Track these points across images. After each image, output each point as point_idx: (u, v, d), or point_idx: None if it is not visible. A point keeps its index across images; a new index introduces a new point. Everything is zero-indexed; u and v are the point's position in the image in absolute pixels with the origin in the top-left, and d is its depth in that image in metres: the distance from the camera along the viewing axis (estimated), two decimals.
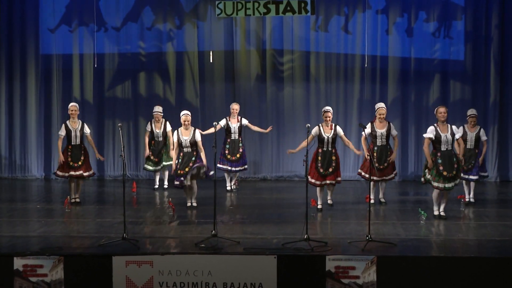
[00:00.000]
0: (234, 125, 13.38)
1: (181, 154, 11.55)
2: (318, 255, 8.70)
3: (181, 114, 11.81)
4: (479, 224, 10.78)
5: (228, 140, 13.42)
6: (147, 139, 13.66)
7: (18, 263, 8.65)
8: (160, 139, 13.59)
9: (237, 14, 13.55)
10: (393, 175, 12.16)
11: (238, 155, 13.38)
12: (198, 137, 11.60)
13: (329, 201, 11.94)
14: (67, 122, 12.20)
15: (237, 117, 13.48)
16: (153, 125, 13.64)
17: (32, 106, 15.66)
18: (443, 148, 10.66)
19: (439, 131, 10.69)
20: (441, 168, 10.59)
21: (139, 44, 15.56)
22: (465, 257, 8.75)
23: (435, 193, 10.86)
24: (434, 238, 9.76)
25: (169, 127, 13.59)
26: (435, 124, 10.82)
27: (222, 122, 13.38)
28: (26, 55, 15.58)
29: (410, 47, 15.26)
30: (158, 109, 13.66)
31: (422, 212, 11.02)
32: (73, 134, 12.05)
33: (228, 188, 13.68)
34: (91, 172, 12.30)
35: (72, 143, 12.09)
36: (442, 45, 15.23)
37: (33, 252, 8.82)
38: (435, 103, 15.17)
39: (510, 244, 9.42)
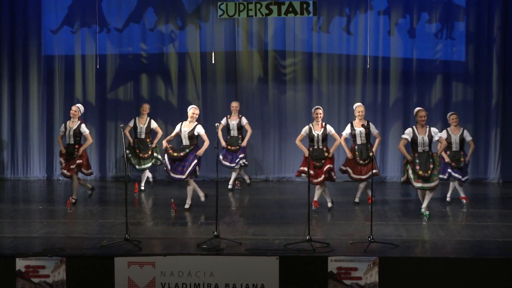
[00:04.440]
0: (233, 122, 13.81)
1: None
2: (320, 256, 8.70)
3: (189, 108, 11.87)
4: (481, 225, 10.77)
5: (228, 137, 13.85)
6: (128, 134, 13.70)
7: (20, 264, 8.65)
8: (143, 135, 13.60)
9: (239, 15, 13.54)
10: (371, 173, 11.42)
11: (238, 147, 13.74)
12: (201, 131, 11.64)
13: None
14: (67, 121, 12.42)
15: (238, 115, 13.94)
16: (137, 120, 13.69)
17: (34, 107, 15.65)
18: (419, 149, 10.94)
19: (417, 133, 10.95)
20: (417, 167, 10.87)
21: (141, 46, 15.56)
22: (467, 258, 8.75)
23: (419, 193, 11.29)
24: (436, 239, 9.76)
25: (154, 124, 13.66)
26: (414, 126, 11.07)
27: (223, 121, 13.88)
28: (28, 56, 15.58)
29: (412, 48, 15.24)
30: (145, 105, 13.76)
31: (425, 213, 11.01)
32: (67, 133, 12.21)
33: (230, 186, 13.93)
34: (86, 170, 12.30)
35: (66, 142, 12.23)
36: (444, 46, 15.21)
37: (35, 253, 8.82)
38: (437, 104, 15.17)
39: None
